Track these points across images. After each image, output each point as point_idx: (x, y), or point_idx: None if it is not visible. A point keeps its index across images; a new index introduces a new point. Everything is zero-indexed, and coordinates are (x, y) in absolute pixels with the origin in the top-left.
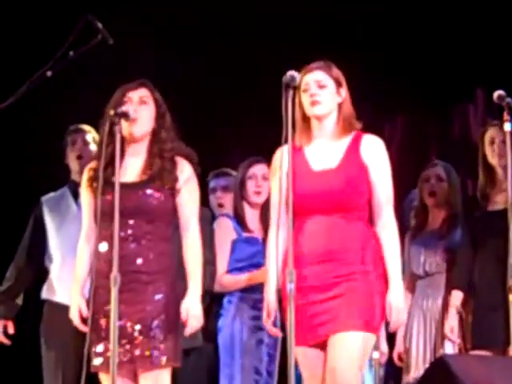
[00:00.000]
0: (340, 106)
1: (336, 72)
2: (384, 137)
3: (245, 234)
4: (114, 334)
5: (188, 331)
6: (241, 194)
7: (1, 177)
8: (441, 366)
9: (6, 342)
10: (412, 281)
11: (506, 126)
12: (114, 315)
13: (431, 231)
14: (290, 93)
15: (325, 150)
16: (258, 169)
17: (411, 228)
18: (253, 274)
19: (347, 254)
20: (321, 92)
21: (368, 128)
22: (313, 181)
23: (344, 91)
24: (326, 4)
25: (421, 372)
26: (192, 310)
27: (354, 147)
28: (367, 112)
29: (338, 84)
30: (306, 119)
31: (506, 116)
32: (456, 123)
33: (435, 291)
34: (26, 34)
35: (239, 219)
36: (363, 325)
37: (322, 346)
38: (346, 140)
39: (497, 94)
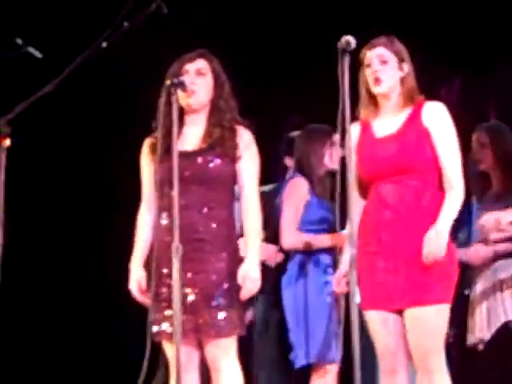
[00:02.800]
0: (402, 80)
1: (398, 47)
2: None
3: (318, 198)
4: (177, 303)
5: (244, 294)
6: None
7: None
8: (506, 334)
9: None
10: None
11: None
12: (176, 285)
13: (491, 195)
14: (346, 59)
15: (389, 121)
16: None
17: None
18: (332, 236)
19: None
20: (383, 68)
21: (424, 91)
22: (374, 148)
23: (406, 66)
24: None
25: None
26: (249, 273)
27: (416, 114)
28: (422, 75)
29: (400, 59)
30: (371, 94)
31: None
32: None
33: None
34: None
35: (315, 183)
36: (441, 297)
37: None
38: (409, 109)
39: None
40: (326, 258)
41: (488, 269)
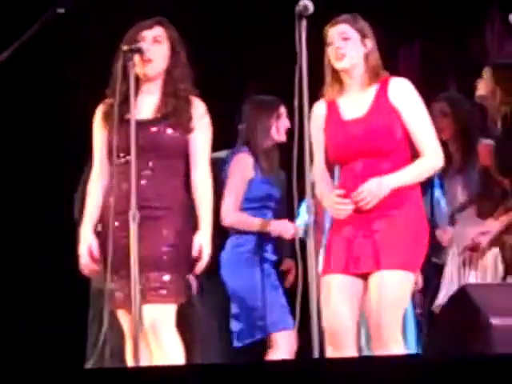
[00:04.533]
0: (366, 56)
1: (361, 24)
2: (399, 62)
3: (263, 174)
4: (134, 270)
5: (200, 267)
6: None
7: None
8: (462, 296)
9: None
10: None
11: None
12: (133, 251)
13: (453, 167)
14: (304, 23)
15: (355, 99)
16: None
17: None
18: (272, 222)
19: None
20: (345, 44)
21: (383, 54)
22: (343, 130)
23: (370, 42)
24: None
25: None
26: (203, 246)
27: (382, 93)
28: (381, 37)
29: (363, 35)
30: (334, 72)
31: None
32: (473, 45)
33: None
34: None
35: (260, 156)
36: (405, 263)
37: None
38: (375, 87)
39: None
40: (266, 237)
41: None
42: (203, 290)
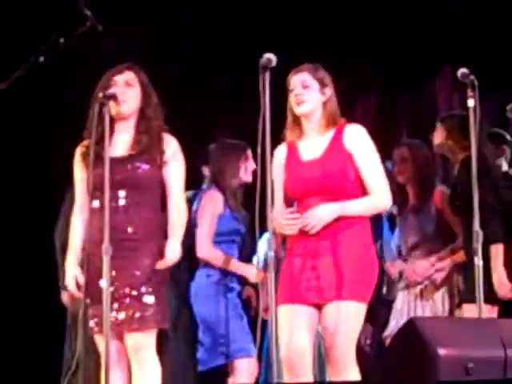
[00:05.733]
0: (324, 103)
1: (321, 73)
2: (358, 113)
3: (230, 210)
4: (106, 298)
5: (161, 265)
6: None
7: None
8: (410, 329)
9: None
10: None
11: (470, 103)
12: (106, 282)
13: (410, 207)
14: (267, 75)
15: (313, 142)
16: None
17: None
18: (245, 266)
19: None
20: (305, 92)
21: (342, 105)
22: (301, 170)
23: (329, 91)
24: None
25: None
26: (170, 251)
27: (338, 137)
28: (341, 89)
29: (322, 84)
30: (295, 117)
31: (469, 92)
32: (425, 99)
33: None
34: (18, 21)
35: (228, 195)
36: (361, 295)
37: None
38: (331, 132)
39: (460, 71)
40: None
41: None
42: (176, 318)
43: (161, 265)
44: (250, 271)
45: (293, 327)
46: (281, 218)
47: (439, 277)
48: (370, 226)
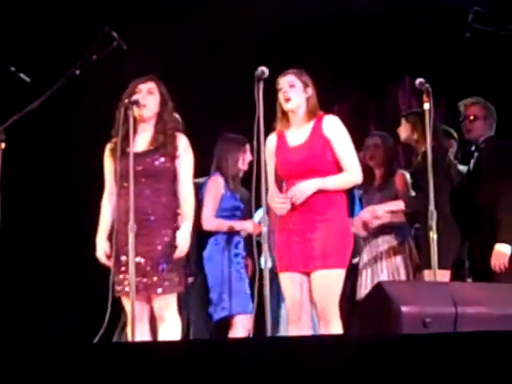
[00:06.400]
0: (307, 100)
1: (305, 77)
2: (334, 112)
3: (231, 191)
4: (131, 269)
5: (178, 254)
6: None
7: None
8: (378, 290)
9: None
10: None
11: (425, 106)
12: (131, 254)
13: (375, 187)
14: (261, 85)
15: (298, 131)
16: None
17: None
18: (240, 223)
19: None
20: (291, 90)
21: (322, 105)
22: (289, 154)
23: (310, 90)
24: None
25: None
26: (182, 240)
27: (318, 126)
28: (322, 96)
29: (306, 85)
30: (283, 111)
31: (425, 98)
32: (389, 102)
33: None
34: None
35: (229, 180)
36: (340, 263)
37: (307, 273)
38: (312, 122)
39: (418, 81)
40: (236, 237)
41: (370, 243)
42: (193, 280)
43: (178, 254)
44: (248, 224)
45: (291, 289)
46: (273, 197)
47: (377, 223)
48: (345, 202)
